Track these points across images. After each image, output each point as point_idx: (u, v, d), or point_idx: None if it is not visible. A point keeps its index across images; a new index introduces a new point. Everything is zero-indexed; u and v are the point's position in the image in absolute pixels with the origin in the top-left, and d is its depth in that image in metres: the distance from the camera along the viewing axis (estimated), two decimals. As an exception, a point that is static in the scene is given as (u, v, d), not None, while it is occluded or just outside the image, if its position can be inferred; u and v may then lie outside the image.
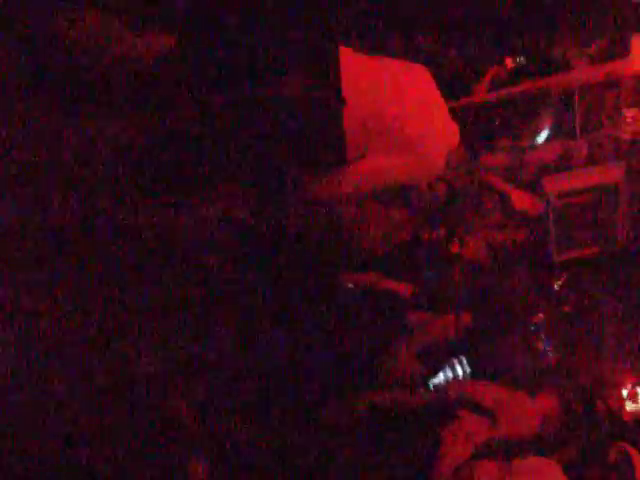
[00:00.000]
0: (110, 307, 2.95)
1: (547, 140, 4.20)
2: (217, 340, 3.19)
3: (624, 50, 4.17)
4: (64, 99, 2.81)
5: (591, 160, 4.13)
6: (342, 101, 3.40)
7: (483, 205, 3.92)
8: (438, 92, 3.51)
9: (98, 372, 2.84)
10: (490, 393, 3.18)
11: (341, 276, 3.61)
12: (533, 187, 4.04)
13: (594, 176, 4.06)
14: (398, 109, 3.43)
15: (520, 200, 4.01)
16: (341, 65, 3.43)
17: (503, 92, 4.21)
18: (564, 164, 4.12)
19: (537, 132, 4.23)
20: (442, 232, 3.72)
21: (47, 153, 2.75)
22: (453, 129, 3.55)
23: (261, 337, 3.24)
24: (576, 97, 4.19)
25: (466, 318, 3.52)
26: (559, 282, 4.03)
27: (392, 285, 3.59)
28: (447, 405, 3.20)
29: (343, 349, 3.23)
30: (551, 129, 4.23)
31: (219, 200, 3.19)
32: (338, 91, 3.40)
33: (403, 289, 3.61)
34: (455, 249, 3.72)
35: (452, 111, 3.63)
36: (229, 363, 3.07)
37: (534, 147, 4.17)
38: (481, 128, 4.17)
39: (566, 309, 4.07)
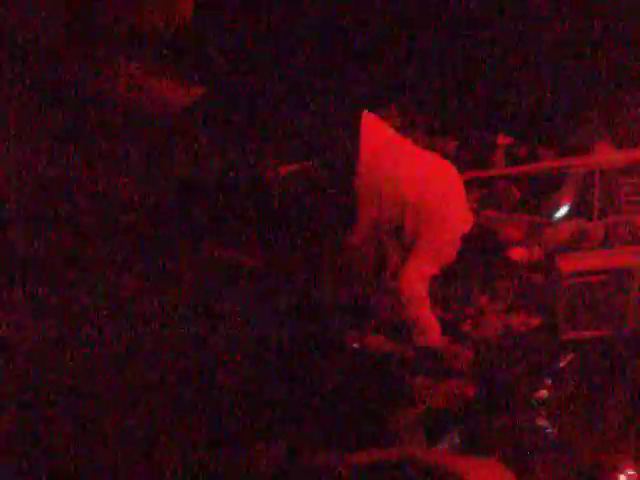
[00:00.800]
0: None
1: (564, 218, 4.26)
2: (215, 391, 3.22)
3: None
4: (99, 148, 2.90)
5: (606, 243, 4.17)
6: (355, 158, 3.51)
7: (498, 286, 3.97)
8: (461, 185, 3.61)
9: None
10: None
11: (347, 336, 3.65)
12: (546, 264, 4.07)
13: (608, 259, 4.09)
14: (416, 187, 3.55)
15: (516, 253, 4.06)
16: (362, 128, 3.54)
17: (523, 168, 4.28)
18: (579, 244, 4.16)
19: (555, 209, 4.28)
20: (454, 310, 3.77)
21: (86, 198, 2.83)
22: (469, 219, 3.66)
23: (258, 386, 3.27)
24: (597, 179, 4.25)
25: (469, 389, 3.53)
26: (564, 360, 4.03)
27: (396, 348, 3.63)
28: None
29: (343, 410, 3.25)
30: (569, 208, 4.28)
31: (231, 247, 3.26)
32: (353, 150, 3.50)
33: (405, 352, 3.65)
34: (466, 328, 3.78)
35: (468, 184, 3.76)
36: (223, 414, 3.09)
37: (551, 224, 4.22)
38: (500, 202, 4.24)
39: (569, 388, 4.06)
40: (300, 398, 3.28)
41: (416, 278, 3.62)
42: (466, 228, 3.65)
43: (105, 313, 2.92)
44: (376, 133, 3.65)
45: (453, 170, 3.79)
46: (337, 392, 3.36)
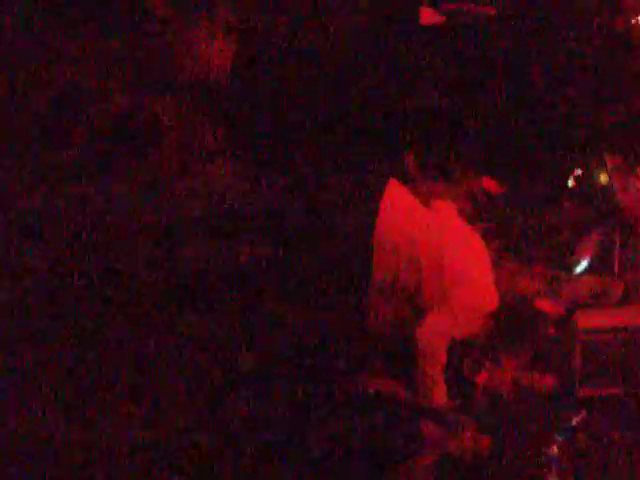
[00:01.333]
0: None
1: (584, 273, 4.23)
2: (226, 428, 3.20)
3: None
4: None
5: (626, 300, 4.14)
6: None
7: (517, 342, 3.95)
8: (487, 258, 3.64)
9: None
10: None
11: (359, 379, 3.64)
12: (564, 319, 4.05)
13: (627, 317, 4.06)
14: (435, 253, 3.59)
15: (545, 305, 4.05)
16: (385, 193, 3.59)
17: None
18: (598, 300, 4.13)
19: (574, 264, 4.26)
20: (469, 361, 3.76)
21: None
22: (494, 296, 3.69)
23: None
24: (617, 235, 4.22)
25: (483, 441, 3.51)
26: (577, 417, 3.99)
27: (405, 395, 3.63)
28: None
29: (352, 455, 3.23)
30: (589, 263, 4.26)
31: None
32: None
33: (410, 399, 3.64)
34: (480, 380, 3.76)
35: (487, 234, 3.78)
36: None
37: (570, 278, 4.19)
38: (519, 252, 4.22)
39: (581, 445, 4.02)
40: (309, 438, 3.27)
41: (433, 334, 3.62)
42: (491, 306, 3.69)
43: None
44: (398, 200, 3.70)
45: (478, 242, 3.82)
46: (348, 435, 3.35)
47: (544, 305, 4.03)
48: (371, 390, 3.56)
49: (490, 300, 3.76)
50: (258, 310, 3.38)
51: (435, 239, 3.69)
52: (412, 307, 3.70)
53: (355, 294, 3.63)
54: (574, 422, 3.98)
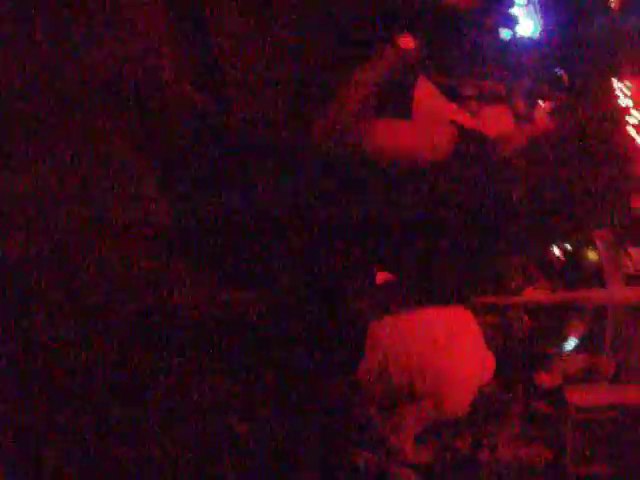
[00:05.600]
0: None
1: (574, 350, 4.22)
2: None
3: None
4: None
5: (616, 378, 4.13)
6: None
7: (511, 417, 3.94)
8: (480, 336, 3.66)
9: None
10: None
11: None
12: (555, 394, 4.03)
13: (617, 395, 4.05)
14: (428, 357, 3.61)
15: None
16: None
17: (535, 297, 4.28)
18: (588, 377, 4.12)
19: (565, 340, 4.26)
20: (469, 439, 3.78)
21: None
22: (489, 368, 3.70)
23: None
24: (610, 314, 4.23)
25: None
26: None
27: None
28: None
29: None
30: (580, 340, 4.25)
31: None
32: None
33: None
34: (482, 457, 3.76)
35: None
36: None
37: (560, 355, 4.19)
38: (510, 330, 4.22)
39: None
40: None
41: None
42: (486, 377, 3.73)
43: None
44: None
45: (470, 322, 3.83)
46: None
47: (541, 378, 4.03)
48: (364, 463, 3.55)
49: (483, 371, 3.76)
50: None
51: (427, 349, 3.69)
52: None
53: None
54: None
